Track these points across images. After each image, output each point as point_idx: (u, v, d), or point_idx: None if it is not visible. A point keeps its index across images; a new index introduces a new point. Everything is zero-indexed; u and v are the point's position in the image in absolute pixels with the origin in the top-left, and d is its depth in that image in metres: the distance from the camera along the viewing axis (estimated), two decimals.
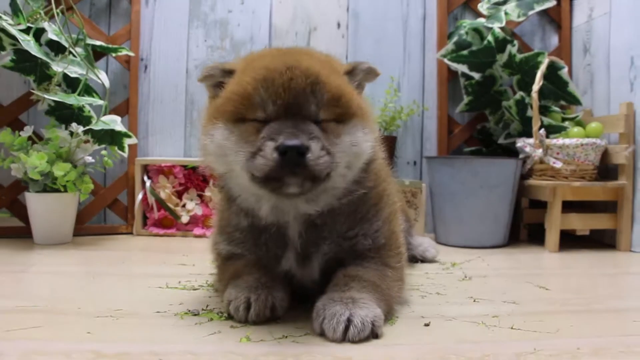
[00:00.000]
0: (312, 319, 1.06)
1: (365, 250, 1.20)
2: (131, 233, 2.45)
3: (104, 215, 2.54)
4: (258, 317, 1.11)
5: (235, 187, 1.18)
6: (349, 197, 1.16)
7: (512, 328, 1.13)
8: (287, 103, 1.04)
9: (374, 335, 1.03)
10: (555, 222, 2.16)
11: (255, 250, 1.22)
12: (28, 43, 2.03)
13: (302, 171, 1.01)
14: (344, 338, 1.00)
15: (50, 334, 1.04)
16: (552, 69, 2.38)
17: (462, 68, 2.47)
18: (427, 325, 1.14)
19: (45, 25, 2.15)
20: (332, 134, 1.08)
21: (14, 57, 2.16)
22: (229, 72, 1.15)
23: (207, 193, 2.45)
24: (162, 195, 2.43)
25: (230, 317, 1.13)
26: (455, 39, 2.50)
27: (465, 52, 2.45)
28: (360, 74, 1.20)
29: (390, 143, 2.52)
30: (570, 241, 2.28)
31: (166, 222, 2.45)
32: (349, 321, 1.00)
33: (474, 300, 1.37)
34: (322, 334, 1.02)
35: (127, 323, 1.13)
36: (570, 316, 1.25)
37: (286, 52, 1.16)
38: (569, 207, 2.24)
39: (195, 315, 1.18)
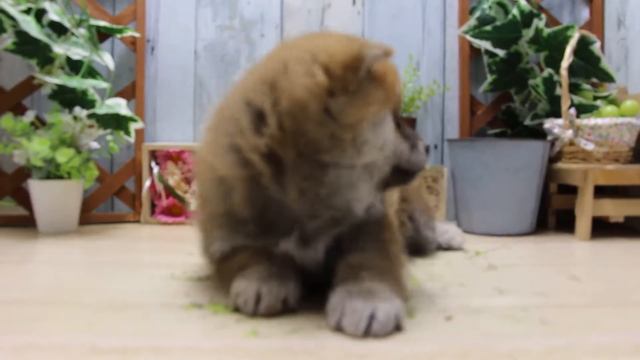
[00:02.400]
0: (327, 314, 0.96)
1: (369, 222, 1.13)
2: (139, 221, 2.37)
3: (112, 203, 2.47)
4: (269, 310, 1.01)
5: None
6: None
7: (542, 321, 1.02)
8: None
9: (397, 328, 0.94)
10: (586, 209, 2.01)
11: (259, 236, 1.10)
12: (28, 24, 1.94)
13: None
14: (366, 334, 0.90)
15: (48, 327, 0.98)
16: (583, 43, 2.22)
17: (485, 45, 2.33)
18: (449, 318, 1.04)
19: (47, 5, 2.06)
20: None
21: (16, 40, 2.07)
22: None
23: None
24: (171, 182, 2.34)
25: (237, 309, 1.05)
26: (477, 13, 2.35)
27: (488, 27, 2.30)
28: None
29: (409, 126, 2.39)
30: (602, 229, 2.13)
31: (175, 209, 2.37)
32: (371, 316, 0.91)
33: (500, 292, 1.25)
34: (339, 330, 0.93)
35: (129, 315, 1.06)
36: (606, 309, 1.14)
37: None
38: (601, 192, 2.09)
39: (200, 307, 1.10)
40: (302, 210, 1.04)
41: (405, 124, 1.11)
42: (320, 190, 1.01)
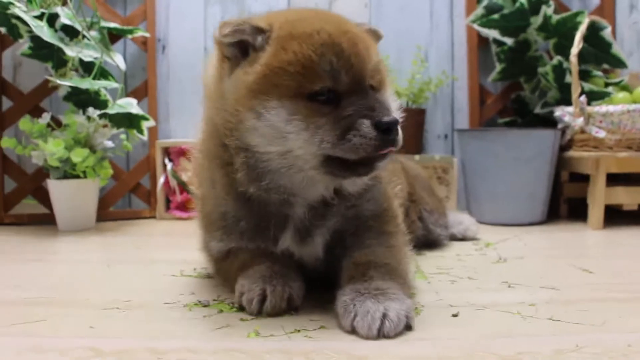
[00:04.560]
0: (338, 315, 0.97)
1: (368, 216, 1.13)
2: (154, 217, 2.41)
3: (129, 199, 2.51)
4: (274, 310, 1.03)
5: (275, 167, 1.01)
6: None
7: (551, 319, 1.02)
8: (356, 71, 0.96)
9: (408, 327, 0.94)
10: (599, 197, 2.00)
11: (254, 237, 1.11)
12: (41, 29, 1.98)
13: (395, 148, 0.95)
14: (379, 334, 0.91)
15: (50, 329, 1.00)
16: (593, 29, 2.20)
17: (493, 34, 2.32)
18: (455, 315, 1.04)
19: (59, 9, 2.10)
20: None
21: (32, 45, 2.13)
22: (261, 31, 0.99)
23: None
24: (184, 177, 2.37)
25: (241, 308, 1.06)
26: (485, 2, 2.34)
27: (496, 16, 2.29)
28: None
29: (419, 116, 2.40)
30: (615, 217, 2.11)
31: (189, 204, 2.40)
32: (384, 316, 0.91)
33: (509, 286, 1.26)
34: (353, 332, 0.93)
35: (133, 316, 1.07)
36: (618, 305, 1.12)
37: (323, 14, 1.06)
38: (614, 179, 2.07)
39: (205, 306, 1.12)
40: (270, 198, 1.05)
41: (364, 100, 0.96)
42: (252, 174, 1.02)
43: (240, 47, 1.01)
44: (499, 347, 0.88)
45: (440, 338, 0.93)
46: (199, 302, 1.14)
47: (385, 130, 0.92)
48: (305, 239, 1.10)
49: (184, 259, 1.57)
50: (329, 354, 0.86)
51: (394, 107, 1.06)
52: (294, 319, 1.02)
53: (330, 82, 0.95)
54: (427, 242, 1.65)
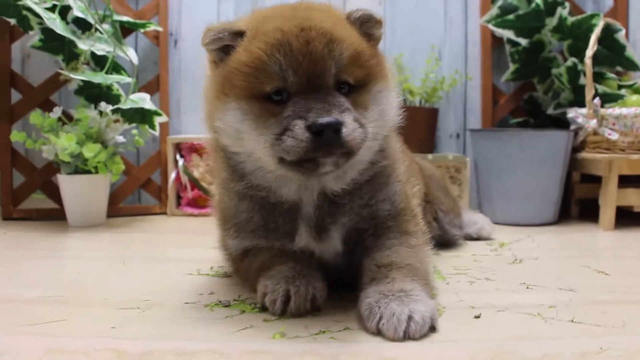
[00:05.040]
0: (362, 317, 0.97)
1: (385, 216, 1.13)
2: (165, 213, 2.41)
3: (139, 195, 2.51)
4: (298, 311, 1.03)
5: (250, 167, 1.06)
6: (373, 169, 1.10)
7: (572, 321, 1.02)
8: (308, 70, 0.95)
9: (432, 328, 0.94)
10: (610, 199, 2.01)
11: (266, 235, 1.12)
12: (53, 21, 1.97)
13: (338, 149, 0.93)
14: (405, 336, 0.91)
15: (72, 329, 0.99)
16: (608, 32, 2.20)
17: (507, 34, 2.32)
18: (477, 317, 1.05)
19: (71, 2, 2.09)
20: (360, 106, 0.99)
21: (42, 37, 2.12)
22: (239, 34, 1.02)
23: None
24: (196, 174, 2.37)
25: (264, 309, 1.06)
26: (500, 2, 2.34)
27: (511, 16, 2.29)
28: (356, 23, 1.07)
29: (432, 116, 2.39)
30: (626, 218, 2.12)
31: (200, 201, 2.40)
32: (409, 318, 0.92)
33: (527, 287, 1.26)
34: (378, 333, 0.93)
35: (154, 316, 1.06)
36: (636, 307, 1.13)
37: (296, 8, 1.05)
38: (625, 181, 2.07)
39: (225, 306, 1.11)
40: (265, 196, 1.08)
41: (311, 102, 0.94)
42: (234, 173, 1.08)
43: (224, 50, 1.04)
44: (524, 350, 0.89)
45: (465, 340, 0.93)
46: (220, 302, 1.14)
47: (319, 132, 0.90)
48: (321, 235, 1.10)
49: (200, 257, 1.57)
50: (359, 355, 0.86)
51: (383, 108, 1.04)
52: (318, 320, 1.02)
53: (281, 82, 0.96)
54: (442, 242, 1.65)
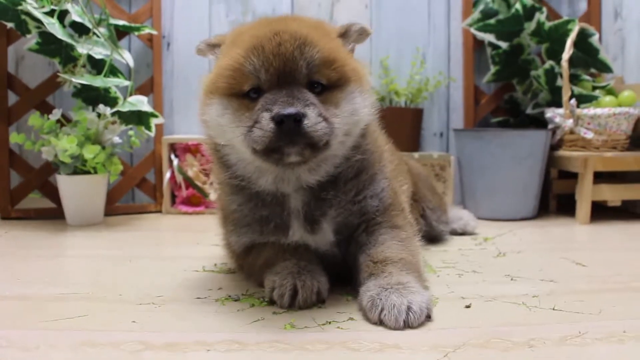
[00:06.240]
0: (365, 309, 1.05)
1: (374, 212, 1.22)
2: (160, 212, 2.47)
3: (132, 194, 2.57)
4: (305, 303, 1.11)
5: (233, 159, 1.18)
6: (348, 163, 1.18)
7: (553, 309, 1.13)
8: (279, 69, 1.05)
9: (428, 317, 1.04)
10: (586, 194, 2.13)
11: (260, 229, 1.21)
12: (53, 26, 2.02)
13: (300, 139, 1.02)
14: (405, 325, 1.00)
15: (96, 324, 1.05)
16: (583, 36, 2.31)
17: (488, 37, 2.42)
18: (468, 307, 1.15)
19: (69, 6, 2.13)
20: (331, 104, 1.09)
21: (39, 40, 2.15)
22: (214, 46, 1.20)
23: None
24: (190, 173, 2.44)
25: (272, 302, 1.14)
26: (481, 7, 2.44)
27: (492, 20, 2.39)
28: (353, 35, 1.22)
29: (417, 116, 2.49)
30: (601, 212, 2.25)
31: (194, 200, 2.47)
32: (408, 309, 1.01)
33: (512, 279, 1.37)
34: (380, 323, 1.02)
35: (170, 310, 1.13)
36: (611, 295, 1.24)
37: (275, 20, 1.18)
38: (599, 177, 2.21)
39: (235, 300, 1.19)
40: (248, 187, 1.19)
41: (276, 96, 1.04)
42: (222, 165, 1.21)
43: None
44: (511, 335, 0.98)
45: (458, 327, 1.03)
46: (230, 296, 1.21)
47: (280, 122, 1.00)
48: (313, 227, 1.19)
49: (202, 254, 1.64)
50: (365, 343, 0.95)
51: (354, 107, 1.12)
52: (323, 312, 1.10)
53: (256, 81, 1.07)
54: (430, 238, 1.75)
